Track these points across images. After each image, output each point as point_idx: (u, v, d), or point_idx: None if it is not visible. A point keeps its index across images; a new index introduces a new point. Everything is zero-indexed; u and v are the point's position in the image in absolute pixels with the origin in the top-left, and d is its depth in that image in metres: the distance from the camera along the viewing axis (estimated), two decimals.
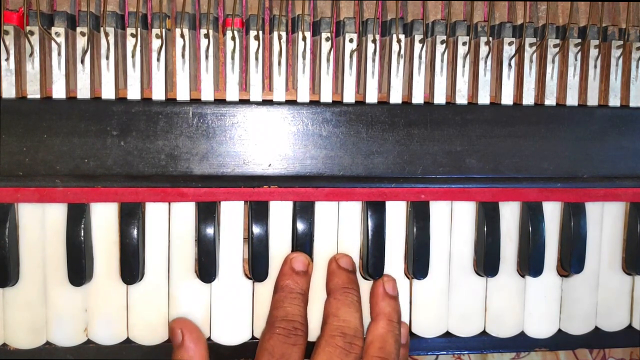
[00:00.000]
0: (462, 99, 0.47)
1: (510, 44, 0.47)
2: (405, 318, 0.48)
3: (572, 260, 0.49)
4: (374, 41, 0.46)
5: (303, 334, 0.43)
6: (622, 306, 0.51)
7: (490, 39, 0.47)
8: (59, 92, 0.43)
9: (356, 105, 0.45)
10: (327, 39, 0.45)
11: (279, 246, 0.47)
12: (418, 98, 0.46)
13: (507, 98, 0.47)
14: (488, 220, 0.48)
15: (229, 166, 0.43)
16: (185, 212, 0.45)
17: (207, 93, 0.45)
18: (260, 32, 0.44)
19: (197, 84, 0.46)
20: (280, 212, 0.46)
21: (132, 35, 0.43)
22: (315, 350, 0.42)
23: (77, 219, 0.44)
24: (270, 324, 0.43)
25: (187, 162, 0.43)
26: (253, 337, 0.47)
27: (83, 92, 0.44)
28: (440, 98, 0.47)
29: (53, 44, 0.43)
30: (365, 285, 0.48)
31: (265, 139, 0.44)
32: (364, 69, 0.46)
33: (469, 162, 0.45)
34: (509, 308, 0.49)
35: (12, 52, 0.42)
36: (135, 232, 0.44)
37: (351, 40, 0.45)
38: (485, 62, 0.47)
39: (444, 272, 0.48)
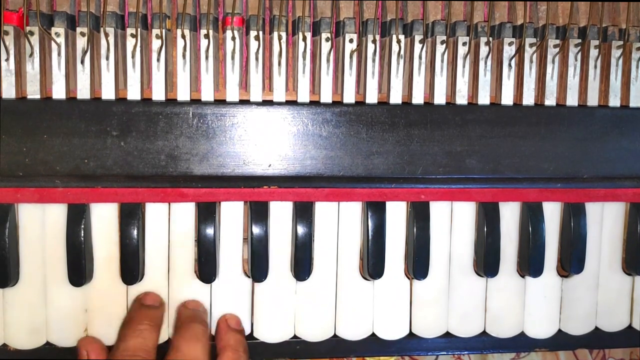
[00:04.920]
0: (462, 99, 0.47)
1: (510, 44, 0.47)
2: (405, 318, 0.48)
3: (572, 260, 0.49)
4: (374, 41, 0.46)
5: None
6: (622, 306, 0.51)
7: (490, 39, 0.47)
8: (59, 92, 0.43)
9: (356, 106, 0.45)
10: (327, 39, 0.45)
11: (279, 246, 0.47)
12: (418, 98, 0.46)
13: (507, 98, 0.47)
14: (488, 220, 0.48)
15: (229, 166, 0.43)
16: (185, 212, 0.45)
17: (207, 93, 0.45)
18: (261, 33, 0.44)
19: (197, 84, 0.46)
20: (280, 213, 0.46)
21: (132, 35, 0.43)
22: None
23: (77, 219, 0.44)
24: (110, 354, 0.42)
25: (187, 163, 0.43)
26: (253, 337, 0.47)
27: (83, 92, 0.44)
28: (440, 98, 0.47)
29: (53, 44, 0.43)
30: (364, 286, 0.48)
31: (265, 140, 0.44)
32: (364, 69, 0.46)
33: (469, 163, 0.45)
34: (509, 308, 0.49)
35: (12, 52, 0.42)
36: (135, 232, 0.44)
37: (351, 41, 0.45)
38: (485, 63, 0.47)
39: (444, 273, 0.48)
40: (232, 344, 0.44)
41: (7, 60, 0.42)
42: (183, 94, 0.45)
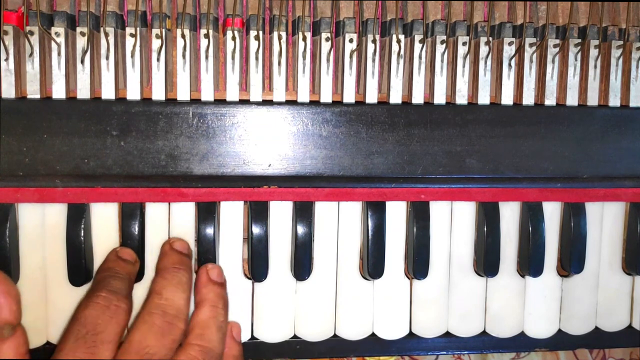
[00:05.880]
0: (462, 99, 0.47)
1: (510, 44, 0.47)
2: (405, 318, 0.48)
3: (572, 260, 0.49)
4: (373, 41, 0.46)
5: (125, 308, 0.39)
6: (622, 306, 0.51)
7: (490, 39, 0.47)
8: (59, 92, 0.43)
9: (356, 106, 0.45)
10: (327, 39, 0.45)
11: (279, 246, 0.47)
12: (418, 98, 0.46)
13: (507, 98, 0.47)
14: (488, 220, 0.48)
15: (229, 166, 0.43)
16: (185, 212, 0.45)
17: (207, 93, 0.45)
18: (261, 32, 0.44)
19: (197, 84, 0.46)
20: (280, 212, 0.46)
21: (131, 35, 0.43)
22: (130, 329, 0.39)
23: (77, 219, 0.44)
24: (90, 293, 0.39)
25: (187, 162, 0.43)
26: (253, 337, 0.47)
27: (83, 92, 0.44)
28: (440, 98, 0.47)
29: (53, 44, 0.43)
30: (364, 286, 0.48)
31: (265, 139, 0.44)
32: (364, 69, 0.46)
33: (469, 162, 0.45)
34: (509, 308, 0.49)
35: (11, 52, 0.42)
36: (135, 232, 0.44)
37: (351, 40, 0.45)
38: (485, 62, 0.47)
39: (444, 272, 0.48)
40: (211, 297, 0.42)
41: (6, 60, 0.42)
42: (183, 93, 0.45)
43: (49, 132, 0.42)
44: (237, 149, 0.43)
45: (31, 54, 0.43)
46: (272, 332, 0.47)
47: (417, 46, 0.46)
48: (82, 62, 0.43)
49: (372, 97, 0.46)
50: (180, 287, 0.41)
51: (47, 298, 0.45)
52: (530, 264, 0.48)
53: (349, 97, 0.46)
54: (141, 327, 0.38)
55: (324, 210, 0.47)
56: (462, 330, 0.49)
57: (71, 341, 0.37)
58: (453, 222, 0.48)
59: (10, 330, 0.37)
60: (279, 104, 0.45)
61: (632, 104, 0.48)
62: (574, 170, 0.47)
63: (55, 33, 0.43)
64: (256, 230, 0.45)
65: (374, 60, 0.46)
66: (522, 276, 0.50)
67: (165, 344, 0.38)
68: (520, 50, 0.47)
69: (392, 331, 0.48)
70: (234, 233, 0.46)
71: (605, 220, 0.50)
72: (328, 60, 0.45)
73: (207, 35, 0.44)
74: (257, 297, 0.47)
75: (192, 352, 0.39)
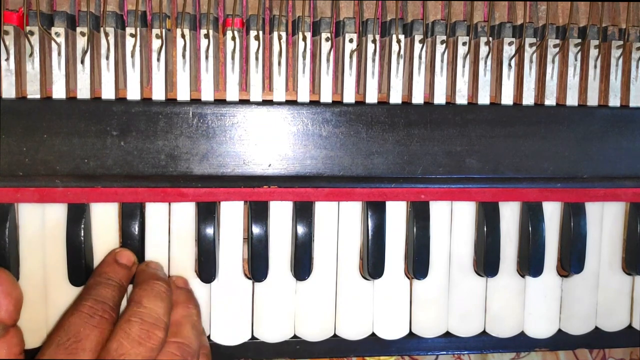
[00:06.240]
0: (462, 99, 0.47)
1: (510, 44, 0.47)
2: (405, 318, 0.48)
3: (572, 260, 0.49)
4: (373, 41, 0.46)
5: (109, 319, 0.39)
6: (622, 306, 0.51)
7: (490, 39, 0.47)
8: (59, 92, 0.43)
9: (356, 106, 0.45)
10: (327, 39, 0.45)
11: (279, 246, 0.47)
12: (418, 98, 0.46)
13: (507, 98, 0.47)
14: (488, 220, 0.48)
15: (229, 166, 0.43)
16: (185, 212, 0.46)
17: (207, 93, 0.45)
18: (260, 32, 0.44)
19: (197, 84, 0.46)
20: (280, 212, 0.46)
21: (132, 35, 0.43)
22: (108, 338, 0.38)
23: (77, 219, 0.44)
24: (78, 300, 0.40)
25: (187, 162, 0.43)
26: (253, 337, 0.47)
27: (83, 92, 0.44)
28: (440, 98, 0.47)
29: (53, 44, 0.43)
30: (364, 286, 0.48)
31: (265, 139, 0.44)
32: (363, 69, 0.46)
33: (469, 162, 0.45)
34: (509, 308, 0.50)
35: (12, 52, 0.42)
36: (135, 232, 0.44)
37: (351, 41, 0.45)
38: (485, 62, 0.47)
39: (444, 272, 0.48)
40: (182, 299, 0.43)
41: (7, 60, 0.42)
42: (183, 93, 0.45)
43: (49, 132, 0.42)
44: (237, 149, 0.43)
45: (31, 54, 0.43)
46: (272, 332, 0.47)
47: (417, 46, 0.46)
48: (82, 62, 0.43)
49: (372, 97, 0.46)
50: (159, 296, 0.41)
51: (47, 298, 0.45)
52: (530, 264, 0.48)
53: (349, 97, 0.46)
54: (118, 335, 0.38)
55: (324, 210, 0.47)
56: (462, 330, 0.49)
57: (53, 346, 0.37)
58: (453, 222, 0.48)
59: (1, 330, 0.37)
60: (279, 104, 0.45)
61: (632, 104, 0.48)
62: (574, 170, 0.47)
63: (55, 33, 0.43)
64: (256, 230, 0.45)
65: (374, 60, 0.46)
66: (522, 276, 0.50)
67: (141, 352, 0.37)
68: (520, 50, 0.47)
69: (392, 331, 0.48)
70: (234, 233, 0.46)
71: (605, 220, 0.50)
72: (328, 60, 0.45)
73: (207, 35, 0.44)
74: (257, 297, 0.47)
75: (170, 349, 0.39)
